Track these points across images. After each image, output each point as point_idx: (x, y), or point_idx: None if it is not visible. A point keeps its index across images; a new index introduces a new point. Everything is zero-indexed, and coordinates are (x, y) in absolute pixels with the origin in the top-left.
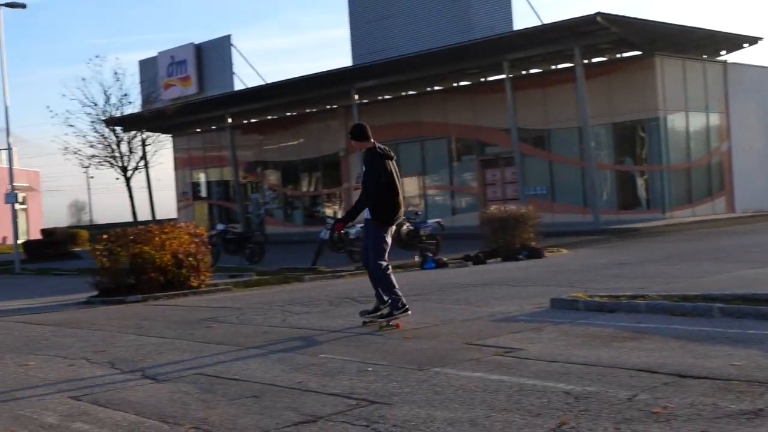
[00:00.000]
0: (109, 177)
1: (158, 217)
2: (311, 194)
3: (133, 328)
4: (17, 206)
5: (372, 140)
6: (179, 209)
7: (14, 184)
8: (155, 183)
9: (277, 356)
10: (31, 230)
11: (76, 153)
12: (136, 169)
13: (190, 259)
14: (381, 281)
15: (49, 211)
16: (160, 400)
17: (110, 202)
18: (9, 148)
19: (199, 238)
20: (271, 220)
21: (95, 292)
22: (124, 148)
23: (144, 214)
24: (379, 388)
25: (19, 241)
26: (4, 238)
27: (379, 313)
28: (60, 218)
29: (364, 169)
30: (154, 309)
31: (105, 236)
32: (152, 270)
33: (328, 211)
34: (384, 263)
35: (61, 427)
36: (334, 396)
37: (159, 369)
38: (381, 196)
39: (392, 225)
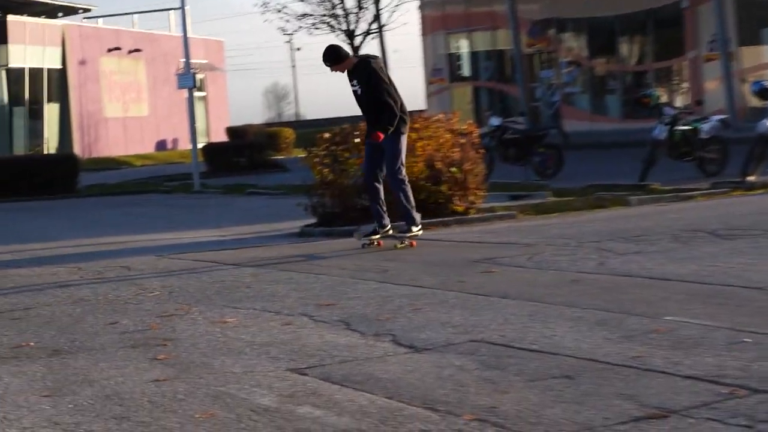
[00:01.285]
0: (318, 52)
1: None
2: (635, 70)
3: (372, 271)
4: (195, 94)
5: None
6: (429, 95)
7: (190, 60)
8: (393, 57)
9: (597, 317)
10: (212, 129)
11: (280, 11)
12: (367, 33)
13: (453, 170)
14: (403, 192)
15: (238, 101)
16: (422, 378)
17: (325, 89)
18: (182, 7)
19: (466, 139)
20: (571, 111)
21: (313, 220)
22: (349, 1)
23: None
24: (765, 369)
25: (199, 146)
26: (175, 141)
27: (386, 230)
28: (253, 111)
29: (365, 82)
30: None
31: (327, 135)
32: None
33: (663, 97)
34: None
35: (282, 411)
36: (692, 380)
37: (417, 333)
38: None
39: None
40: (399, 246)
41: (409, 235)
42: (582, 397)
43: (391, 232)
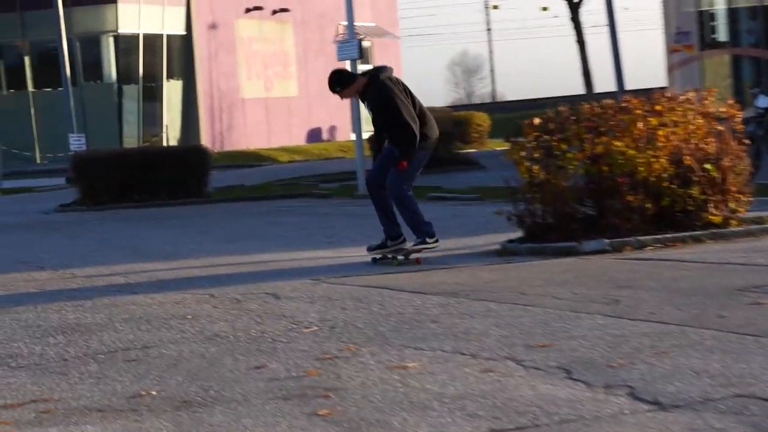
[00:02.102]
0: (522, 12)
1: (629, 87)
2: None
3: (599, 302)
4: (359, 67)
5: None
6: (670, 67)
7: (353, 23)
8: (622, 17)
9: None
10: None
11: None
12: None
13: (708, 167)
14: (408, 204)
15: (415, 77)
16: None
17: (529, 60)
18: None
19: (725, 125)
20: None
21: (518, 233)
22: None
23: (601, 82)
24: None
25: (364, 136)
26: (332, 130)
27: (399, 242)
28: (434, 89)
29: (377, 104)
30: (636, 266)
31: (537, 121)
32: (630, 189)
33: None
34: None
35: None
36: None
37: (662, 384)
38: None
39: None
40: (397, 260)
41: (423, 247)
42: None
43: (406, 245)
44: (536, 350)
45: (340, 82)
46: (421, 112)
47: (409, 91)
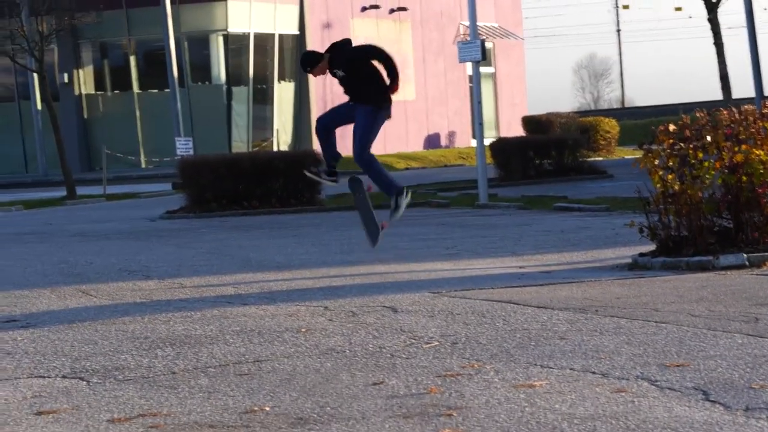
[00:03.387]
0: (654, 12)
1: None
2: None
3: (739, 320)
4: (481, 70)
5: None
6: None
7: (476, 24)
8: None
9: None
10: (503, 119)
11: None
12: None
13: None
14: (376, 165)
15: (539, 81)
16: None
17: (660, 63)
18: None
19: None
20: None
21: (650, 246)
22: None
23: (739, 87)
24: None
25: (486, 142)
26: (452, 136)
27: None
28: (559, 94)
29: (346, 59)
30: None
31: (672, 127)
32: None
33: None
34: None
35: None
36: None
37: None
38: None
39: None
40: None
41: (401, 210)
42: None
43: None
44: (671, 370)
45: (309, 61)
46: None
47: None
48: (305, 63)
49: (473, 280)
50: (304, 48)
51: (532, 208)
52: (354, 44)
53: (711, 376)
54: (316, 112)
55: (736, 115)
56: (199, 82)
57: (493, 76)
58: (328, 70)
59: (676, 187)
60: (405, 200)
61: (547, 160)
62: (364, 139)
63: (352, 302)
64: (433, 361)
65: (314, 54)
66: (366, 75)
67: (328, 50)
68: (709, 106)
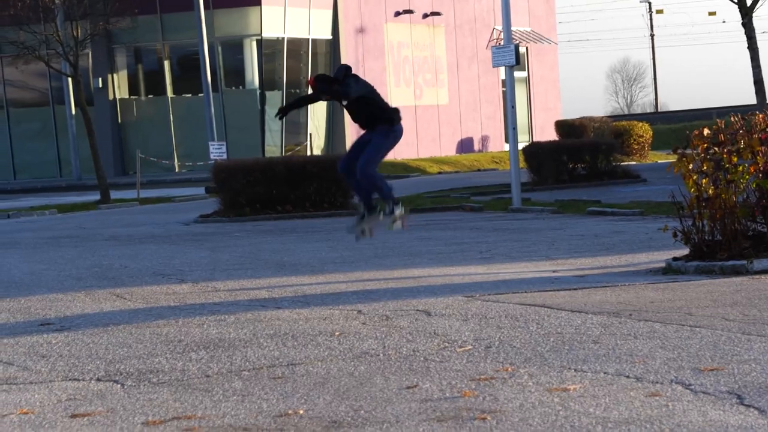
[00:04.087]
0: (688, 16)
1: None
2: None
3: None
4: (515, 74)
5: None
6: None
7: (510, 28)
8: None
9: None
10: (536, 123)
11: None
12: None
13: None
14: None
15: (572, 85)
16: None
17: (694, 68)
18: None
19: None
20: None
21: (684, 250)
22: None
23: None
24: None
25: (519, 147)
26: (485, 140)
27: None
28: (593, 99)
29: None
30: None
31: (706, 132)
32: None
33: None
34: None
35: None
36: None
37: None
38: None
39: None
40: (390, 227)
41: (394, 217)
42: None
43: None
44: (705, 374)
45: (322, 84)
46: None
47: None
48: (319, 86)
49: (507, 283)
50: (338, 53)
51: (566, 212)
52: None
53: (745, 380)
54: (350, 117)
55: None
56: (232, 87)
57: (527, 80)
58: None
59: (710, 192)
60: (399, 210)
61: (581, 164)
62: (373, 156)
63: (385, 306)
64: (467, 364)
65: (327, 78)
66: (365, 103)
67: (336, 78)
68: (743, 110)
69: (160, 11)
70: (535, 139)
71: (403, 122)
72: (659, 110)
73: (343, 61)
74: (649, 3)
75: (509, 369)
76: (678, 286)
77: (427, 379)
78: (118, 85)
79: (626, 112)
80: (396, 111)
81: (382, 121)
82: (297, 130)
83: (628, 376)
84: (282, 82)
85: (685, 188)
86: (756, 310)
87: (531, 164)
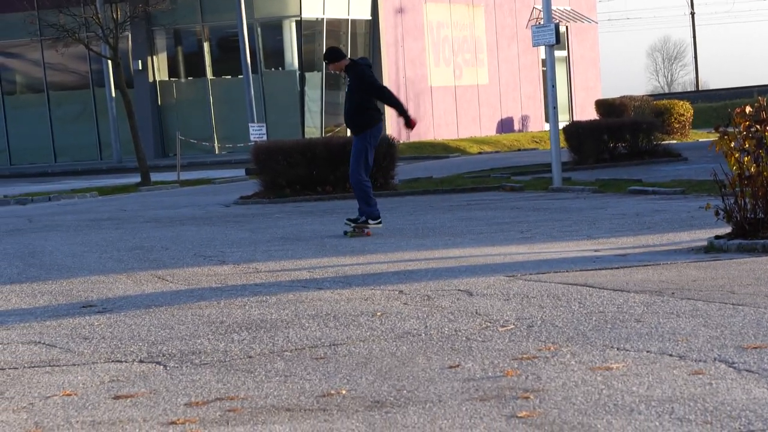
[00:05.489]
0: None
1: None
2: None
3: None
4: (555, 53)
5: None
6: None
7: (550, 7)
8: None
9: None
10: (576, 103)
11: None
12: None
13: None
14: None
15: (612, 64)
16: None
17: (734, 47)
18: None
19: None
20: None
21: (726, 229)
22: None
23: None
24: None
25: (559, 126)
26: (525, 120)
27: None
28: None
29: (356, 82)
30: None
31: (749, 110)
32: None
33: None
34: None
35: None
36: None
37: None
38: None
39: None
40: (350, 234)
41: (363, 226)
42: None
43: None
44: (749, 352)
45: (329, 56)
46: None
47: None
48: (326, 56)
49: (548, 263)
50: (377, 33)
51: (607, 191)
52: (365, 70)
53: None
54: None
55: None
56: (272, 68)
57: (567, 59)
58: (343, 71)
59: (752, 170)
60: (374, 225)
61: (621, 143)
62: (354, 164)
63: (427, 286)
64: (509, 344)
65: (337, 52)
66: (358, 102)
67: (350, 60)
68: None
69: None
70: (575, 119)
71: (443, 102)
72: (700, 89)
73: (383, 41)
74: None
75: (551, 348)
76: (720, 264)
77: (470, 359)
78: (158, 68)
79: (667, 91)
80: (395, 98)
81: (354, 129)
82: (336, 111)
83: (671, 355)
84: (321, 63)
85: (727, 166)
86: None
87: (571, 144)
